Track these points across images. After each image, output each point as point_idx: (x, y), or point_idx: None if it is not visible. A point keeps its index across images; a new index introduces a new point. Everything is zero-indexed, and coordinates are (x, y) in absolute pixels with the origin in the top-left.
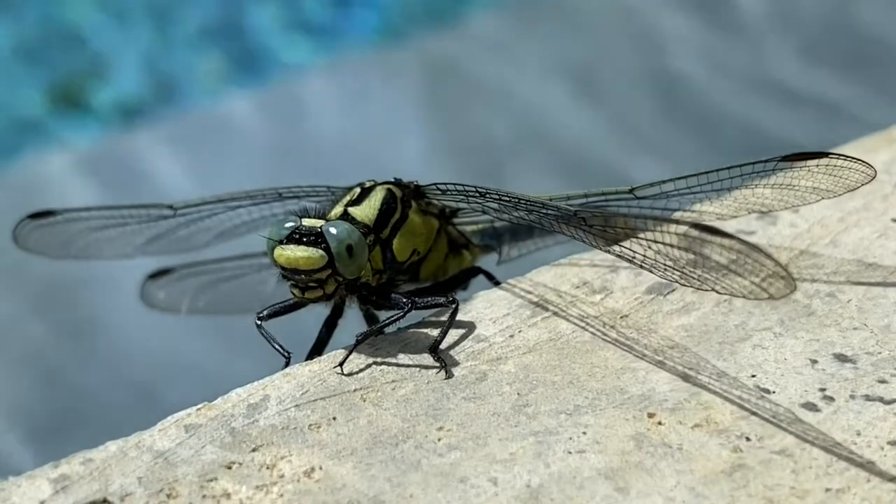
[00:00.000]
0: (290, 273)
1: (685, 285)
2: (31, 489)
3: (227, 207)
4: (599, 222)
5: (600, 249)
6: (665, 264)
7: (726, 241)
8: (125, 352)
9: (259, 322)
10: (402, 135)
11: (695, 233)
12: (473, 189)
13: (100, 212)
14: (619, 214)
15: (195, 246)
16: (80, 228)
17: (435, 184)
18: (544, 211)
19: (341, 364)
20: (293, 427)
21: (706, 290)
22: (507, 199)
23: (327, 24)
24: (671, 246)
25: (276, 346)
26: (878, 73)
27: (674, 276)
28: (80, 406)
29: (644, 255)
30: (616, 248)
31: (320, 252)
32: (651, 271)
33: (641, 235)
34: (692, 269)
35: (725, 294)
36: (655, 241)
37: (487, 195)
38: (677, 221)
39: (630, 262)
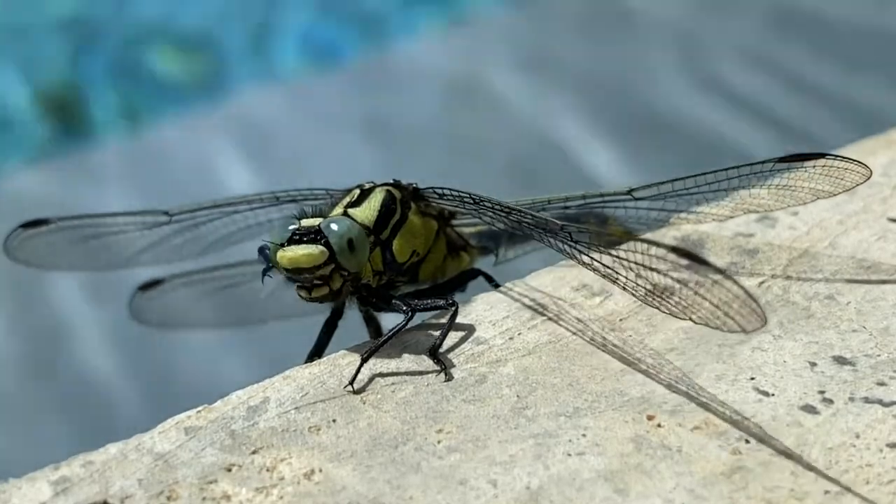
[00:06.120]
0: (294, 274)
1: (665, 312)
2: (31, 491)
3: (223, 213)
4: (584, 238)
5: (585, 267)
6: (645, 288)
7: (704, 270)
8: None
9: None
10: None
11: (674, 258)
12: (468, 196)
13: (94, 220)
14: (605, 233)
15: (191, 254)
16: (74, 237)
17: (432, 187)
18: (531, 223)
19: (351, 383)
20: (293, 429)
21: (683, 319)
22: (500, 208)
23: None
24: (651, 269)
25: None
26: None
27: (653, 303)
28: None
29: (626, 278)
30: (599, 266)
31: (320, 248)
32: (633, 294)
33: (623, 256)
34: (669, 296)
35: (701, 324)
36: (636, 264)
37: (482, 203)
38: (657, 244)
39: (613, 282)
